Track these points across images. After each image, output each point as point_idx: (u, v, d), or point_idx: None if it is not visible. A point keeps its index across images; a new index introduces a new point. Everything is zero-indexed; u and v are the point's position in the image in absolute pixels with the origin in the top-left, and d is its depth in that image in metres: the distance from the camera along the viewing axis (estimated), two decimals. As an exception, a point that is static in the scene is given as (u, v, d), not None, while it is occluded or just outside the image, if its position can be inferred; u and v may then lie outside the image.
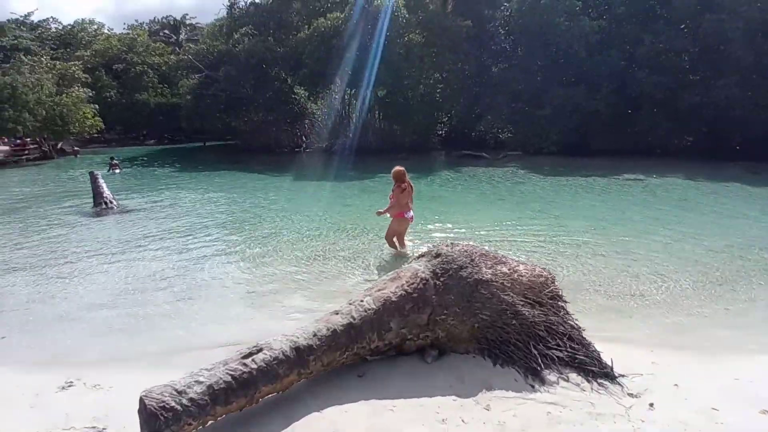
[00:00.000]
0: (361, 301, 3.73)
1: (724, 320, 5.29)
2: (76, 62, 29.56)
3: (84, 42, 37.24)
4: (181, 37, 40.68)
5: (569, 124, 23.07)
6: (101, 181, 12.01)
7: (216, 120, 28.20)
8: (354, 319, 3.57)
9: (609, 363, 3.85)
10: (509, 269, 4.14)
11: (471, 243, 4.64)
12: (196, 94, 27.02)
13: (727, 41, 19.50)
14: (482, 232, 9.04)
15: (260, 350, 3.20)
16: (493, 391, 3.51)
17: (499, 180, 16.85)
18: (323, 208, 11.86)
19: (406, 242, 7.58)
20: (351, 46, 22.14)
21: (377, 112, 26.27)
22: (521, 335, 3.84)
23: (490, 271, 4.03)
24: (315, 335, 3.39)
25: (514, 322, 3.84)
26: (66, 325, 5.15)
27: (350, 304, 3.73)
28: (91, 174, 12.18)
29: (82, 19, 40.67)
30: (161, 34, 40.50)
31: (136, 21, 43.55)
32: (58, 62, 28.26)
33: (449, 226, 9.62)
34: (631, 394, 3.57)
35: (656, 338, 4.80)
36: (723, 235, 8.96)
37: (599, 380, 3.72)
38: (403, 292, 3.77)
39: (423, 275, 3.90)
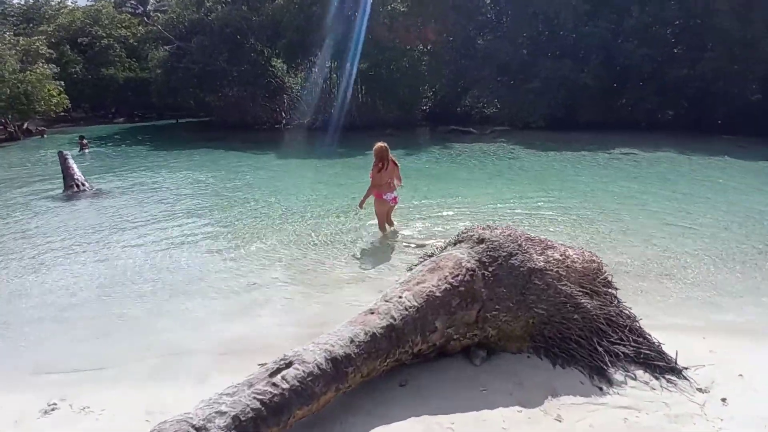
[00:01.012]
0: (400, 297, 3.18)
1: (762, 298, 4.99)
2: (40, 37, 27.38)
3: (47, 16, 34.64)
4: (149, 7, 38.12)
5: (557, 98, 22.66)
6: (71, 162, 10.99)
7: (189, 95, 26.66)
8: (394, 319, 3.03)
9: (673, 356, 3.47)
10: (561, 255, 3.66)
11: (509, 225, 4.13)
12: (166, 67, 25.37)
13: (715, 13, 19.22)
14: (486, 208, 8.61)
15: (290, 364, 2.63)
16: (559, 397, 3.07)
17: (491, 156, 16.36)
18: (312, 187, 11.18)
19: (395, 223, 7.20)
20: (332, 14, 20.97)
21: (360, 87, 25.26)
22: (584, 330, 3.38)
23: (541, 258, 3.53)
24: (352, 341, 2.84)
25: (575, 316, 3.38)
26: (45, 329, 4.47)
27: (387, 301, 3.18)
28: (60, 154, 11.11)
29: (46, -7, 37.70)
30: (128, 4, 37.83)
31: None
32: (21, 38, 26.11)
33: (452, 202, 9.16)
34: (700, 389, 3.26)
35: (702, 322, 4.51)
36: (732, 209, 8.75)
37: (666, 376, 3.36)
38: (448, 286, 3.23)
39: (468, 265, 3.37)
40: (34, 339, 4.29)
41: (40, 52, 25.33)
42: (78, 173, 10.86)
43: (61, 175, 10.85)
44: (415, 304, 3.12)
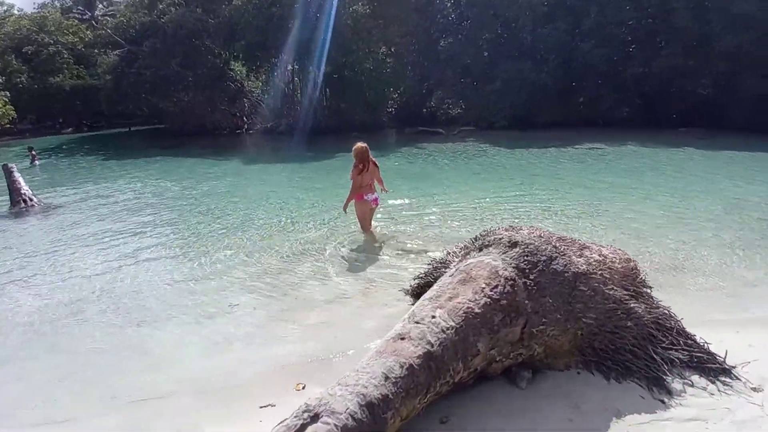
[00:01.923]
0: (433, 317, 2.69)
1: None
2: None
3: (-8, 25, 32.12)
4: (97, 12, 35.95)
5: (518, 98, 22.96)
6: (17, 175, 9.85)
7: (141, 101, 25.20)
8: (431, 345, 2.54)
9: (722, 355, 3.20)
10: (599, 255, 3.30)
11: (533, 225, 3.73)
12: (117, 72, 23.87)
13: (672, 11, 19.93)
14: (472, 206, 8.40)
15: (316, 417, 2.09)
16: (623, 417, 2.71)
17: (463, 154, 16.19)
18: (285, 193, 10.54)
19: (374, 225, 6.88)
20: (294, 15, 20.29)
21: (324, 89, 24.64)
22: (637, 339, 3.01)
23: (581, 260, 3.15)
24: (387, 378, 2.33)
25: (628, 323, 3.00)
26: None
27: (417, 322, 2.68)
28: (5, 167, 9.93)
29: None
30: (75, 10, 35.54)
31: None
32: None
33: (437, 201, 8.88)
34: (754, 388, 3.01)
35: (730, 314, 4.28)
36: (712, 196, 8.93)
37: (720, 378, 3.07)
38: (488, 300, 2.78)
39: (506, 273, 2.93)
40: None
41: (-18, 63, 23.44)
42: (25, 187, 9.76)
43: (7, 191, 9.72)
44: (453, 324, 2.65)
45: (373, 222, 6.86)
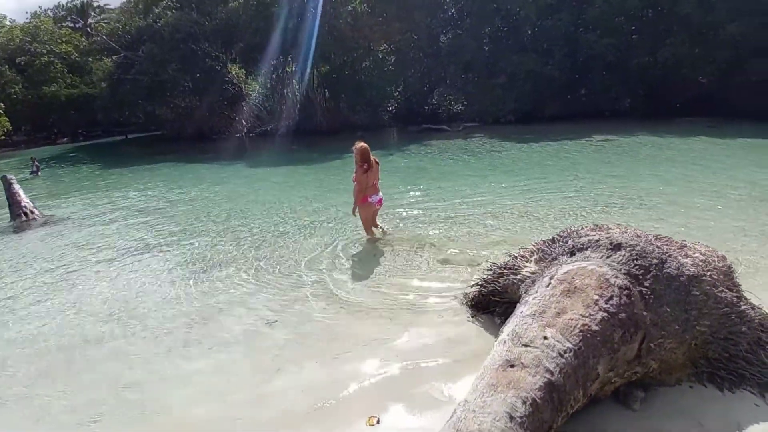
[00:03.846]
0: (545, 338, 2.28)
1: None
2: None
3: (-17, 37, 31.53)
4: (90, 20, 35.36)
5: (524, 92, 22.67)
6: (17, 187, 9.37)
7: (137, 108, 24.68)
8: (551, 374, 2.15)
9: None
10: (701, 254, 2.89)
11: (623, 224, 3.33)
12: (112, 80, 23.38)
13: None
14: (503, 203, 8.01)
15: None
16: (745, 430, 2.32)
17: (475, 150, 15.81)
18: (292, 196, 10.06)
19: (380, 225, 6.58)
20: (293, 15, 19.86)
21: (324, 90, 24.23)
22: (750, 344, 2.63)
23: (688, 261, 2.75)
24: (512, 419, 1.93)
25: (743, 328, 2.61)
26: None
27: (526, 345, 2.28)
28: (4, 179, 9.45)
29: (-18, 14, 34.40)
30: (68, 19, 34.97)
31: (40, 8, 37.29)
32: None
33: (463, 199, 8.45)
34: None
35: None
36: (737, 182, 8.58)
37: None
38: (605, 315, 2.38)
39: (619, 281, 2.53)
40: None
41: (-22, 73, 22.91)
42: (26, 200, 9.30)
43: (7, 203, 9.25)
44: (570, 345, 2.25)
45: (382, 223, 6.61)
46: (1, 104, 23.68)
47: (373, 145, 6.36)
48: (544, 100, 23.29)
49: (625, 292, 2.48)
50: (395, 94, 26.03)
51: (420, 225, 6.99)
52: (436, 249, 5.78)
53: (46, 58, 29.40)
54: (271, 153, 19.01)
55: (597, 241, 2.81)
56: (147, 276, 5.71)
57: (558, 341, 2.26)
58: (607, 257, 2.69)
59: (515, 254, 3.72)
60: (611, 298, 2.43)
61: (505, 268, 3.70)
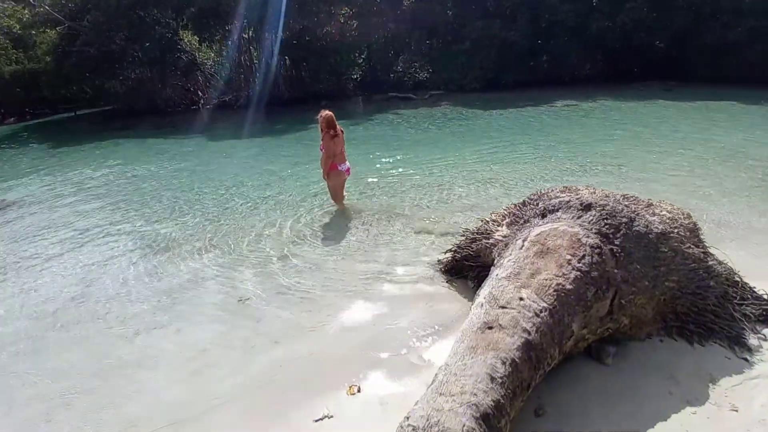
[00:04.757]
0: (521, 299, 2.32)
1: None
2: None
3: None
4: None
5: (488, 59, 22.58)
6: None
7: (86, 82, 23.08)
8: (528, 333, 2.19)
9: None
10: (668, 212, 2.99)
11: (591, 186, 3.38)
12: (57, 53, 21.65)
13: None
14: (476, 169, 8.04)
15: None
16: (718, 382, 2.55)
17: (442, 119, 15.73)
18: (258, 169, 9.77)
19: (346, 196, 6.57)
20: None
21: (284, 57, 23.31)
22: (717, 298, 2.76)
23: (656, 219, 2.83)
24: (493, 380, 1.96)
25: (711, 282, 2.74)
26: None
27: (503, 307, 2.31)
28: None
29: None
30: (10, -8, 31.71)
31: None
32: None
33: (438, 166, 8.50)
34: None
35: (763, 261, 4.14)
36: (694, 143, 8.96)
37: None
38: (578, 273, 2.43)
39: (590, 241, 2.58)
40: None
41: None
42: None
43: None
44: (545, 305, 2.29)
45: (349, 193, 6.59)
46: None
47: (338, 115, 6.25)
48: (508, 67, 23.31)
49: (597, 250, 2.53)
50: (359, 62, 25.40)
51: (390, 194, 6.95)
52: (407, 218, 5.79)
53: (-13, 34, 26.84)
54: (231, 125, 18.30)
55: (567, 202, 2.85)
56: (109, 258, 5.45)
57: (534, 301, 2.29)
58: (578, 217, 2.73)
59: (487, 219, 3.74)
60: (583, 257, 2.48)
61: (477, 233, 3.74)
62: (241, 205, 7.08)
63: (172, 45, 22.74)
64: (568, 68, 23.73)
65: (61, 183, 10.21)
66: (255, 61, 23.47)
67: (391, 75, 25.47)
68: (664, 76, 20.34)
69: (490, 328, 2.20)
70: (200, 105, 24.26)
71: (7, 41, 27.59)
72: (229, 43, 23.44)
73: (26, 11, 27.59)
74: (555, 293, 2.33)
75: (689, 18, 19.61)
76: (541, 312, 2.25)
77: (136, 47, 21.85)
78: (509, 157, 9.06)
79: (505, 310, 2.26)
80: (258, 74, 23.02)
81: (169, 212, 7.09)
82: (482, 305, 2.37)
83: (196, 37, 23.39)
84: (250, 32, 22.40)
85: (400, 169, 8.52)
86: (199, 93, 24.65)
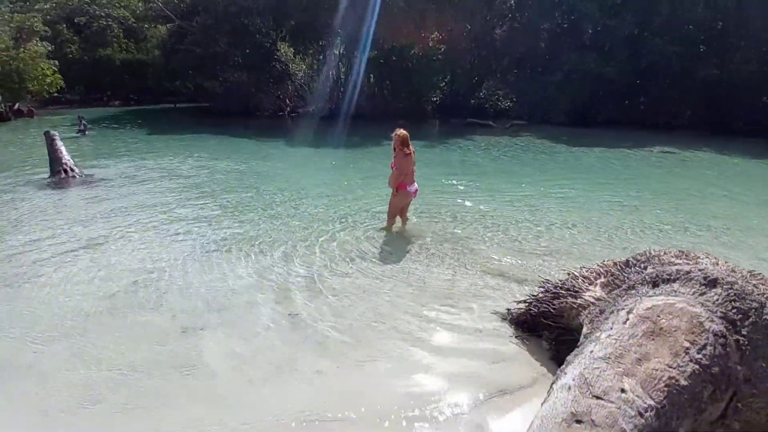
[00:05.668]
0: (622, 390, 1.85)
1: None
2: (36, 14, 25.58)
3: (45, -6, 32.75)
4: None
5: (580, 93, 21.54)
6: (59, 143, 9.49)
7: (188, 78, 24.98)
8: (630, 435, 1.71)
9: None
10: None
11: (711, 254, 2.81)
12: (166, 48, 23.72)
13: (746, 15, 18.11)
14: (555, 208, 7.47)
15: None
16: None
17: (522, 150, 15.10)
18: (335, 178, 9.83)
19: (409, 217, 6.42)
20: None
21: (369, 75, 23.81)
22: None
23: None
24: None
25: None
26: (40, 389, 3.03)
27: (598, 397, 1.86)
28: (47, 135, 9.59)
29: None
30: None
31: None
32: (15, 14, 24.35)
33: (512, 199, 8.03)
34: None
35: None
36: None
37: None
38: (696, 367, 1.93)
39: (714, 327, 2.06)
40: (26, 409, 2.92)
41: (35, 29, 23.63)
42: (67, 157, 9.38)
43: (48, 159, 9.37)
44: (652, 403, 1.82)
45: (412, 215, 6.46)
46: (56, 62, 24.33)
47: (413, 135, 6.07)
48: (601, 103, 22.14)
49: (721, 340, 2.01)
50: (442, 85, 25.33)
51: (457, 222, 6.57)
52: (473, 252, 5.37)
53: (103, 21, 30.17)
54: (311, 134, 18.86)
55: (688, 273, 2.33)
56: (177, 249, 5.55)
57: (638, 396, 1.83)
58: (700, 294, 2.22)
59: (575, 273, 3.26)
60: (705, 346, 1.98)
61: (562, 288, 3.26)
62: (309, 212, 7.08)
63: (270, 54, 24.07)
64: (667, 112, 22.01)
65: (149, 167, 10.87)
66: (342, 77, 24.20)
67: (473, 101, 25.09)
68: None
69: (579, 422, 1.77)
70: (286, 112, 25.38)
71: (120, 30, 30.74)
72: (321, 57, 24.42)
73: (140, 4, 30.57)
74: (666, 389, 1.86)
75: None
76: (646, 411, 1.79)
77: (237, 52, 23.30)
78: (596, 200, 8.31)
79: (601, 402, 1.82)
80: (343, 89, 23.71)
81: (240, 211, 7.22)
82: (570, 388, 1.94)
83: (291, 48, 24.59)
84: (342, 48, 23.15)
85: (471, 197, 8.11)
86: (287, 101, 25.80)
